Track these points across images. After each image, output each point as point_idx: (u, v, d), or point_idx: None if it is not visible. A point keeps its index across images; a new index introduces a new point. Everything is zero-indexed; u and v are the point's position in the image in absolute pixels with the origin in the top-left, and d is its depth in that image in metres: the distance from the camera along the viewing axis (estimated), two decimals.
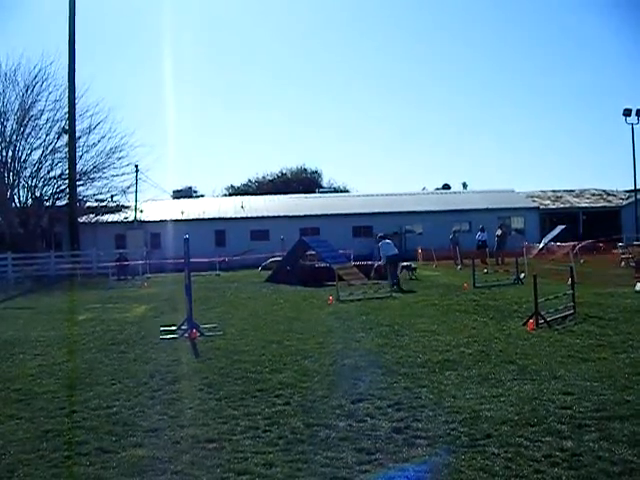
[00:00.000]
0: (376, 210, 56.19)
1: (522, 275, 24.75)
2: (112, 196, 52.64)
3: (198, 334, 14.79)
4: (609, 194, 65.24)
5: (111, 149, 50.40)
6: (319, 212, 55.41)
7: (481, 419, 7.71)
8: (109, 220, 52.23)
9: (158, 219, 53.29)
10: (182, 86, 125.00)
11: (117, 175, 51.46)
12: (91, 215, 51.41)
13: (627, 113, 55.58)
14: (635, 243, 37.22)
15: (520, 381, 9.44)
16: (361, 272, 28.09)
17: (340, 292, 21.81)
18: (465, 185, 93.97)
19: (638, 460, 6.21)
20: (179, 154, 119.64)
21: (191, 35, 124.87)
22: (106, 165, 50.51)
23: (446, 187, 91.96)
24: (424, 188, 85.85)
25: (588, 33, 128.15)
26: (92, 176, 50.32)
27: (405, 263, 29.09)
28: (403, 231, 55.18)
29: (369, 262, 32.24)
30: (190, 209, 56.87)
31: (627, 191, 62.87)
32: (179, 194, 69.95)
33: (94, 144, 50.06)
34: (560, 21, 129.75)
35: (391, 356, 11.67)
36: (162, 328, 15.76)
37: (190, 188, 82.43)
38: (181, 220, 52.90)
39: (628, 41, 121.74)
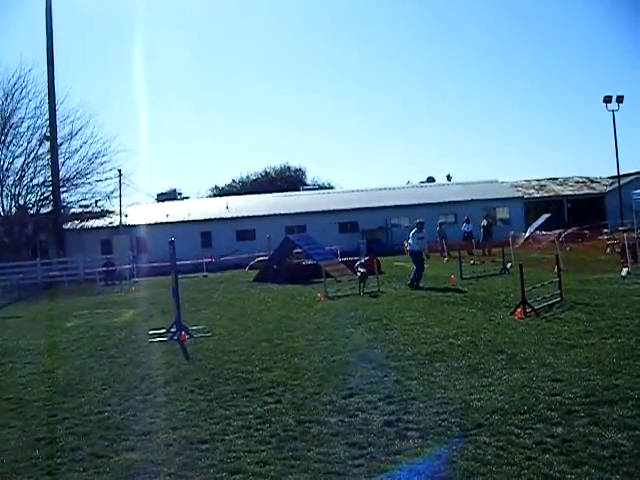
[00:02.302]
0: (361, 205, 56.36)
1: (509, 265, 24.86)
2: (96, 201, 52.55)
3: (187, 336, 14.78)
4: (593, 181, 65.53)
5: (93, 154, 50.28)
6: (304, 209, 55.52)
7: (472, 409, 7.75)
8: (94, 226, 52.01)
9: (143, 223, 53.19)
10: (163, 89, 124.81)
11: (100, 180, 51.38)
12: (76, 221, 51.24)
13: (608, 100, 56.00)
14: (620, 229, 37.36)
15: (509, 370, 9.49)
16: (348, 268, 28.09)
17: (328, 289, 21.84)
18: (449, 177, 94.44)
19: (628, 443, 6.27)
20: (162, 157, 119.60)
21: (171, 37, 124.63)
22: (89, 171, 50.40)
23: (430, 180, 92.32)
24: (408, 182, 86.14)
25: (569, 22, 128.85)
26: (75, 182, 50.22)
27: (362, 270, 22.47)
28: (389, 225, 55.29)
29: (356, 258, 32.21)
30: (175, 212, 56.90)
31: (610, 177, 63.18)
32: (163, 197, 69.74)
33: (76, 150, 49.96)
34: (541, 10, 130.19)
35: (380, 350, 11.71)
36: (151, 331, 15.75)
37: (174, 190, 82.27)
38: (166, 223, 52.88)
39: (609, 29, 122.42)
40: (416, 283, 21.93)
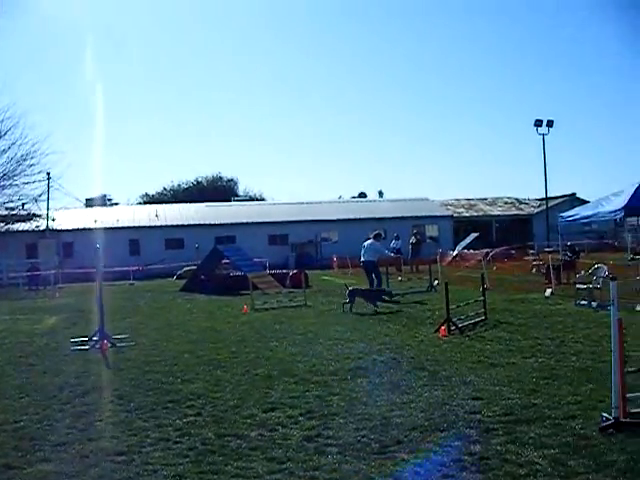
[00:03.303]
0: (292, 218, 56.44)
1: (436, 282, 25.08)
2: (23, 204, 51.46)
3: (109, 345, 14.57)
4: (521, 202, 66.95)
5: (22, 156, 49.16)
6: (235, 220, 55.41)
7: (391, 426, 7.76)
8: (20, 229, 51.06)
9: (71, 228, 52.43)
10: (95, 93, 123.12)
11: (28, 183, 50.27)
12: (1, 224, 50.19)
13: (538, 124, 57.40)
14: (546, 250, 38.11)
15: (430, 387, 9.55)
16: (276, 280, 28.11)
17: (255, 301, 21.78)
18: (381, 193, 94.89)
19: (543, 462, 6.33)
20: (92, 162, 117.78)
21: (106, 43, 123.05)
22: (17, 172, 49.25)
23: (362, 195, 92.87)
24: (340, 196, 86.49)
25: (502, 43, 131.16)
26: (2, 183, 49.08)
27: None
28: (319, 239, 55.44)
29: (284, 270, 32.27)
30: (104, 217, 56.09)
31: (538, 199, 64.62)
32: (92, 202, 68.70)
33: (4, 150, 48.85)
34: (472, 30, 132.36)
35: (304, 365, 11.68)
36: (73, 339, 15.47)
37: (104, 196, 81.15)
38: (94, 229, 52.12)
39: (543, 52, 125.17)
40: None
